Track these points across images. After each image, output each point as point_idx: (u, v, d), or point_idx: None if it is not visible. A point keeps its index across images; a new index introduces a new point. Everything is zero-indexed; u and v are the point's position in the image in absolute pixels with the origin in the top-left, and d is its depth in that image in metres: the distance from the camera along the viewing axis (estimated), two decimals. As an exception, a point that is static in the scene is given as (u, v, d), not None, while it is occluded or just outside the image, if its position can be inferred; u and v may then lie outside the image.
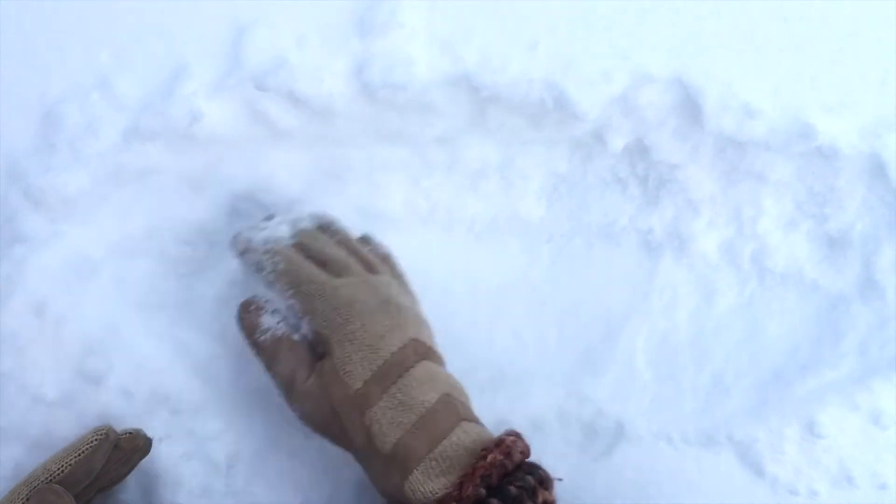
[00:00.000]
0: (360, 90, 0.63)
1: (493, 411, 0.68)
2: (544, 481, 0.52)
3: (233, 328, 0.71)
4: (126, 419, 0.67)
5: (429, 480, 0.52)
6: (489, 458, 0.51)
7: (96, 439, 0.58)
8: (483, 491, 0.50)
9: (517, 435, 0.55)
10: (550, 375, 0.72)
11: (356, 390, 0.55)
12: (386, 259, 0.66)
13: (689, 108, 0.65)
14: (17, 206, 0.63)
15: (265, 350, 0.59)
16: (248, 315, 0.60)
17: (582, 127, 0.67)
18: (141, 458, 0.62)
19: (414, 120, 0.67)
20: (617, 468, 0.67)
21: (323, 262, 0.60)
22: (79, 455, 0.57)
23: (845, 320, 0.67)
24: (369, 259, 0.63)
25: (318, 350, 0.58)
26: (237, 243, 0.63)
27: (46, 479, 0.55)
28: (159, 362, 0.68)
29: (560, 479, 0.54)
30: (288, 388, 0.58)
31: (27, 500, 0.53)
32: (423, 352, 0.58)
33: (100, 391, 0.66)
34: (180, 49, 0.63)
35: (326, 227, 0.65)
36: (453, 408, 0.56)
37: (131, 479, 0.65)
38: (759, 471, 0.65)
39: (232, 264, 0.68)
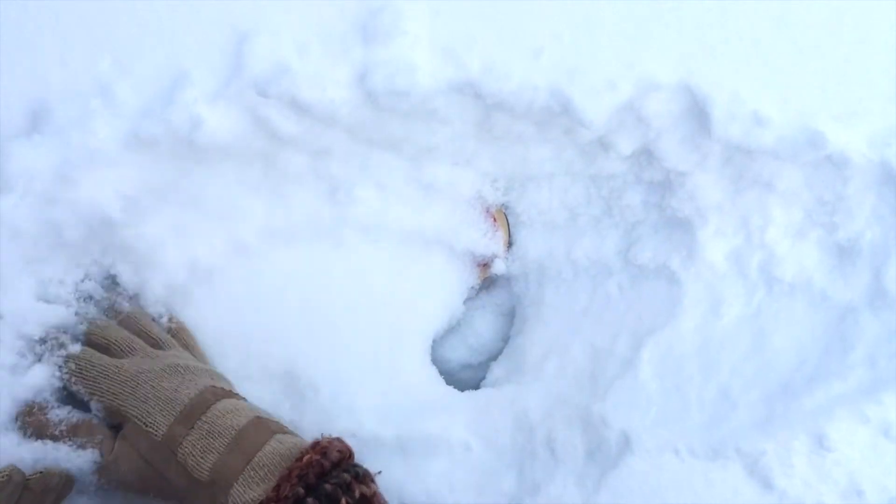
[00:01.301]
0: (363, 97, 0.63)
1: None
2: (361, 476, 0.54)
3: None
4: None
5: (248, 489, 0.54)
6: (305, 458, 0.54)
7: None
8: (301, 490, 0.52)
9: (337, 439, 0.57)
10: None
11: (163, 435, 0.56)
12: (178, 332, 0.67)
13: (697, 116, 0.64)
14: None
15: (65, 440, 0.58)
16: (32, 418, 0.59)
17: (588, 135, 0.67)
18: (58, 500, 0.58)
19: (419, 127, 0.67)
20: (623, 481, 0.67)
21: (106, 348, 0.62)
22: None
23: (854, 331, 0.66)
24: (154, 335, 0.64)
25: (113, 424, 0.59)
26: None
27: None
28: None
29: (379, 472, 0.57)
30: (98, 465, 0.58)
31: None
32: (223, 395, 0.60)
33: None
34: (181, 56, 0.62)
35: (113, 311, 0.65)
36: (265, 425, 0.58)
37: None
38: (767, 484, 0.64)
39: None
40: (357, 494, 0.53)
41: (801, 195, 0.67)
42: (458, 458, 0.72)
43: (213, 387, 0.60)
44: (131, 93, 0.61)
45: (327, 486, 0.52)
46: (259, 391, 0.68)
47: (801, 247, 0.69)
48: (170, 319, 0.67)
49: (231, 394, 0.61)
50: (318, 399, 0.70)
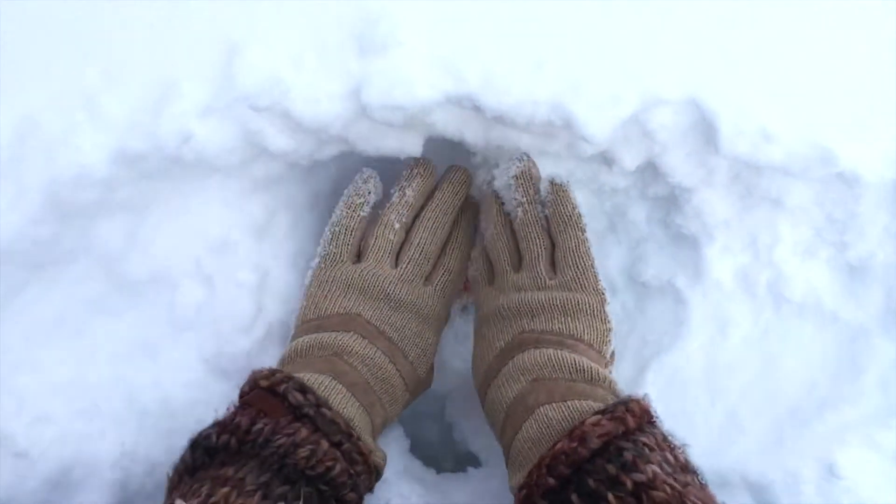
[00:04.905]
0: (359, 111, 0.61)
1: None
2: (630, 464, 0.46)
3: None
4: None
5: (513, 476, 0.55)
6: (557, 446, 0.49)
7: None
8: (551, 480, 0.48)
9: (607, 416, 0.49)
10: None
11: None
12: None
13: (704, 130, 0.63)
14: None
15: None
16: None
17: (591, 149, 0.65)
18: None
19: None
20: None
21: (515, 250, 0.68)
22: None
23: (866, 354, 0.65)
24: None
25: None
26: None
27: None
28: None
29: (687, 445, 0.50)
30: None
31: None
32: (532, 341, 0.61)
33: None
34: (171, 66, 0.61)
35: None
36: (534, 395, 0.56)
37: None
38: (774, 512, 0.62)
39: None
40: (630, 486, 0.45)
41: (810, 213, 0.66)
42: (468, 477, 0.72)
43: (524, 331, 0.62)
44: (118, 105, 0.59)
45: (590, 482, 0.46)
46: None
47: (810, 266, 0.67)
48: None
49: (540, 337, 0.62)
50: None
